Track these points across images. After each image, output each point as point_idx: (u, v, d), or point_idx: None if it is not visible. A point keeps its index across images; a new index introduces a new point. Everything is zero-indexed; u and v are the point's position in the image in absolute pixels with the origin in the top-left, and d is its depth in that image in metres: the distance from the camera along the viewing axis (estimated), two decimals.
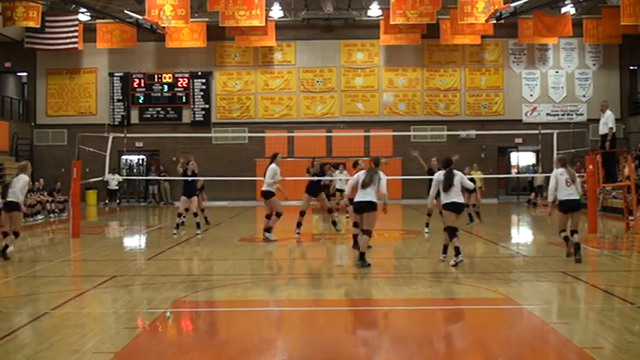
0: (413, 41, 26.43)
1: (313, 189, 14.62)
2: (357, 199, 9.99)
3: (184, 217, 15.33)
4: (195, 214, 14.60)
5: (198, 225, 14.58)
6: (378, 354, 5.67)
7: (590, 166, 14.55)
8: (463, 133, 26.30)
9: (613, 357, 5.39)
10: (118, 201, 27.35)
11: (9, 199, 11.17)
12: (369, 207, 9.80)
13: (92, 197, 26.79)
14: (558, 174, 10.34)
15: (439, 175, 10.27)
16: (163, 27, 24.44)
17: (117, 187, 27.14)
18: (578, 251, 10.04)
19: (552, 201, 10.45)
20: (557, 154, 12.55)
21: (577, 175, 10.75)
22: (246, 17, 23.97)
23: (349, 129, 27.30)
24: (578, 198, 10.29)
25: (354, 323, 7.04)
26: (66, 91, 28.20)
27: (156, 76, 28.08)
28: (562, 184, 10.27)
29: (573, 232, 10.22)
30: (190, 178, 14.51)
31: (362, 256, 9.76)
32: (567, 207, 10.23)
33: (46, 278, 9.36)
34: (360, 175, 10.05)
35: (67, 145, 26.83)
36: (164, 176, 26.24)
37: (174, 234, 14.37)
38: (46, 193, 21.12)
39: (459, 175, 10.07)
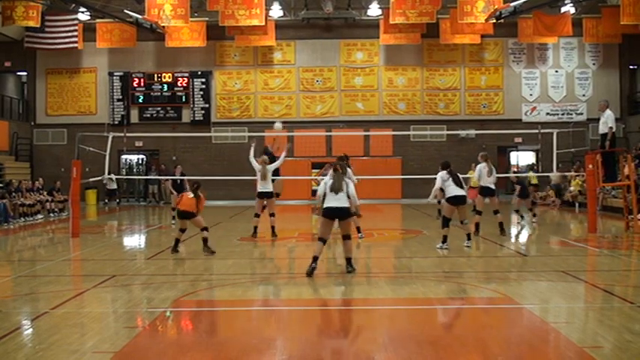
0: (413, 41, 26.43)
1: None
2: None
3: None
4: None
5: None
6: (378, 354, 5.67)
7: (590, 166, 14.54)
8: (463, 133, 26.32)
9: (613, 356, 5.39)
10: (117, 200, 27.31)
11: (266, 190, 13.55)
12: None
13: (92, 197, 26.79)
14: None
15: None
16: (163, 26, 24.43)
17: (115, 187, 27.07)
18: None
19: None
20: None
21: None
22: (246, 17, 23.95)
23: (349, 128, 27.30)
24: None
25: (354, 323, 7.03)
26: (66, 90, 28.20)
27: (155, 75, 28.08)
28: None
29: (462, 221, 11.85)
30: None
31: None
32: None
33: (46, 278, 9.36)
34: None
35: (66, 145, 26.84)
36: (164, 176, 26.19)
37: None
38: (45, 193, 21.13)
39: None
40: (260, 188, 13.63)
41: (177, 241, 11.55)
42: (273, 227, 13.78)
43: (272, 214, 13.84)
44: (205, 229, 11.37)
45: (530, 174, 23.39)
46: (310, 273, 9.01)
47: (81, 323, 6.65)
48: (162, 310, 7.23)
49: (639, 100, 27.96)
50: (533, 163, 27.96)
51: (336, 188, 9.27)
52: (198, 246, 11.92)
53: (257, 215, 13.88)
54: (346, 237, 9.33)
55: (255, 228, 13.78)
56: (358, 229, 13.72)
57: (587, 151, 15.68)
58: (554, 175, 23.79)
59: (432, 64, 27.94)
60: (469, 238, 11.84)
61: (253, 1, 23.70)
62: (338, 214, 9.24)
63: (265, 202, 13.87)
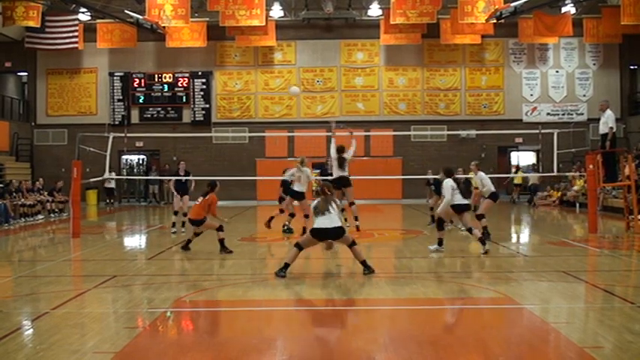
0: (413, 41, 26.43)
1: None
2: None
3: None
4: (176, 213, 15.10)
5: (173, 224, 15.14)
6: (378, 354, 5.67)
7: (591, 166, 14.54)
8: (463, 133, 26.32)
9: (613, 356, 5.39)
10: (112, 201, 27.04)
11: (298, 190, 14.02)
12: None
13: (92, 197, 26.79)
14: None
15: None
16: (163, 27, 24.44)
17: (113, 186, 26.99)
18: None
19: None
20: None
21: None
22: (247, 17, 23.97)
23: (349, 129, 27.24)
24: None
25: (354, 323, 7.03)
26: (66, 90, 28.21)
27: (156, 75, 28.09)
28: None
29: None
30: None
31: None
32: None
33: (47, 278, 9.36)
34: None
35: (67, 145, 26.85)
36: (166, 176, 26.17)
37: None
38: (46, 193, 21.14)
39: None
40: (295, 188, 14.23)
41: (189, 241, 11.82)
42: (304, 228, 13.87)
43: (306, 216, 13.79)
44: (220, 228, 11.49)
45: (519, 174, 26.43)
46: (279, 276, 8.93)
47: (81, 323, 6.66)
48: (162, 310, 7.23)
49: (639, 101, 27.96)
50: (517, 165, 28.77)
51: (321, 210, 8.91)
52: (199, 247, 11.94)
53: (281, 209, 14.96)
54: (351, 245, 9.13)
55: (272, 218, 14.83)
56: (356, 218, 14.02)
57: (587, 152, 15.69)
58: (533, 176, 24.70)
59: (432, 64, 27.94)
60: (482, 243, 11.11)
61: (254, 2, 23.71)
62: (329, 236, 8.95)
63: (296, 203, 14.37)
